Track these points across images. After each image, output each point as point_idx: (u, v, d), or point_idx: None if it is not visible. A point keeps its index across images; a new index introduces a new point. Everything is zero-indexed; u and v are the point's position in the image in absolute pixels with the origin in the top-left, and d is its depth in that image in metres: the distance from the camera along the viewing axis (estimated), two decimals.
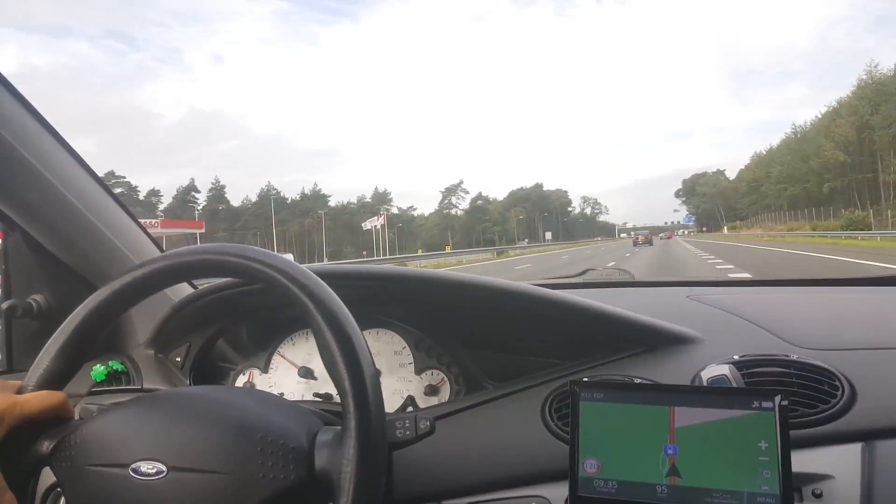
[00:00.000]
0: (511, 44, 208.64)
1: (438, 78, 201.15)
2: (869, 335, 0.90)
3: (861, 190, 61.93)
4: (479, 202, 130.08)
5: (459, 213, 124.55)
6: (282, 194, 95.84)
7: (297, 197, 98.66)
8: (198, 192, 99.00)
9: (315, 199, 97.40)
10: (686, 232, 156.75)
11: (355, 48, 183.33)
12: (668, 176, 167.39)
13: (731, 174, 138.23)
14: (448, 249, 57.71)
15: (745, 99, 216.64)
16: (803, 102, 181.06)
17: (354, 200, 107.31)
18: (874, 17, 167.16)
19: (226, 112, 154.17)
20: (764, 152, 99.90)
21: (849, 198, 61.59)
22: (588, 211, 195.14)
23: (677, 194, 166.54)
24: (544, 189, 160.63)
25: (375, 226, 59.14)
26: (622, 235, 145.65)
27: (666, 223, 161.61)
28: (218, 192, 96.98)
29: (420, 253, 44.21)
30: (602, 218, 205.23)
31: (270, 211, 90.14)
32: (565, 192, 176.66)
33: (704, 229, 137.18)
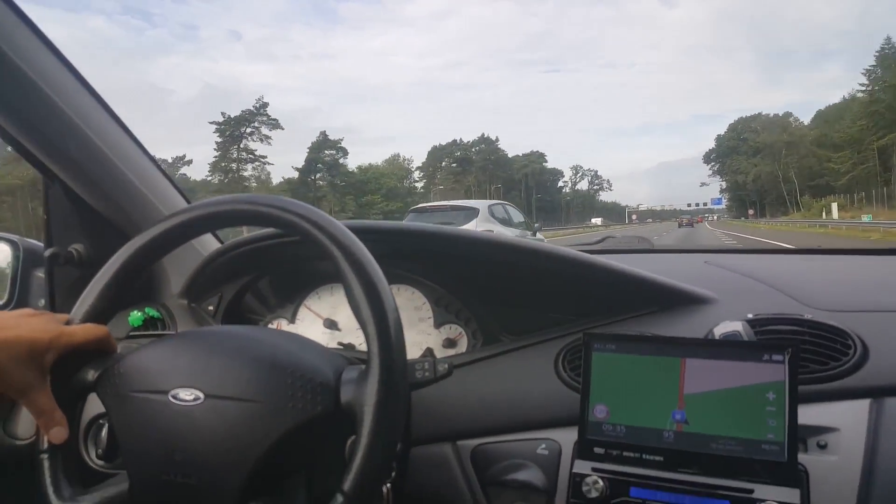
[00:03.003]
0: (537, 14, 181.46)
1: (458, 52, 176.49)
2: (884, 298, 0.91)
3: None
4: (329, 152, 73.46)
5: (274, 174, 69.24)
6: None
7: None
8: None
9: None
10: (714, 217, 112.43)
11: (374, 24, 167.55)
12: (695, 159, 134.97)
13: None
14: None
15: (778, 79, 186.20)
16: (837, 84, 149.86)
17: None
18: None
19: (242, 89, 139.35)
20: None
21: None
22: (583, 186, 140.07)
23: (707, 159, 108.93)
24: (501, 149, 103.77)
25: None
26: (594, 221, 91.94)
27: (689, 205, 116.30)
28: None
29: None
30: (606, 197, 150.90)
31: None
32: (541, 154, 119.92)
33: (751, 212, 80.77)
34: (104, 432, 0.91)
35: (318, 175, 72.55)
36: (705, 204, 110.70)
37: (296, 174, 72.00)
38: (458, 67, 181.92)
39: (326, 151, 73.95)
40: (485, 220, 8.99)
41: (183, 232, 0.71)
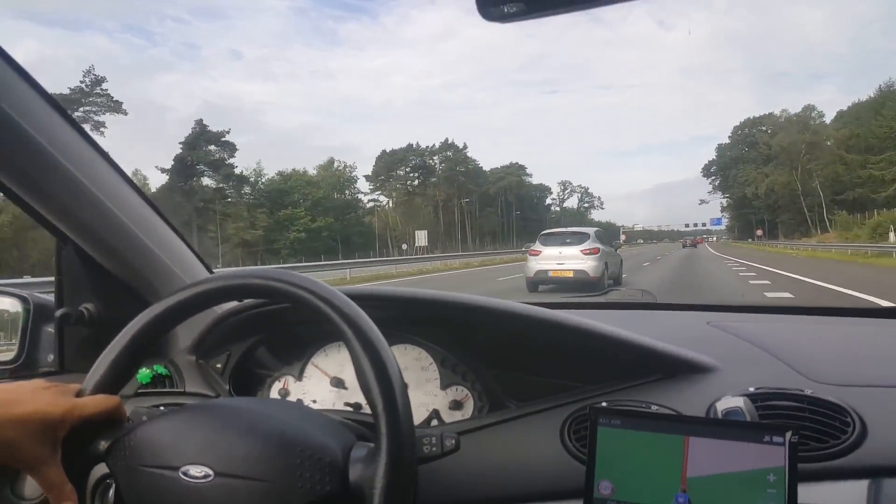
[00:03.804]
0: (534, 37, 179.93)
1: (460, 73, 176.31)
2: (884, 372, 0.91)
3: None
4: (213, 148, 59.07)
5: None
6: None
7: None
8: None
9: None
10: (714, 238, 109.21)
11: (373, 45, 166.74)
12: (693, 180, 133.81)
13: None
14: None
15: (773, 101, 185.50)
16: (832, 104, 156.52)
17: None
18: None
19: (241, 107, 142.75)
20: None
21: None
22: (572, 204, 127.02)
23: (707, 172, 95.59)
24: (472, 158, 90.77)
25: None
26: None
27: (687, 226, 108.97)
28: None
29: None
30: (599, 216, 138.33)
31: None
32: (521, 167, 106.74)
33: (760, 233, 67.06)
34: (111, 494, 0.90)
35: (195, 179, 57.80)
36: (704, 224, 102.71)
37: (164, 177, 56.77)
38: (457, 88, 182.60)
39: (211, 147, 59.39)
40: (593, 241, 12.30)
41: (194, 305, 0.72)
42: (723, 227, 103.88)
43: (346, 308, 0.66)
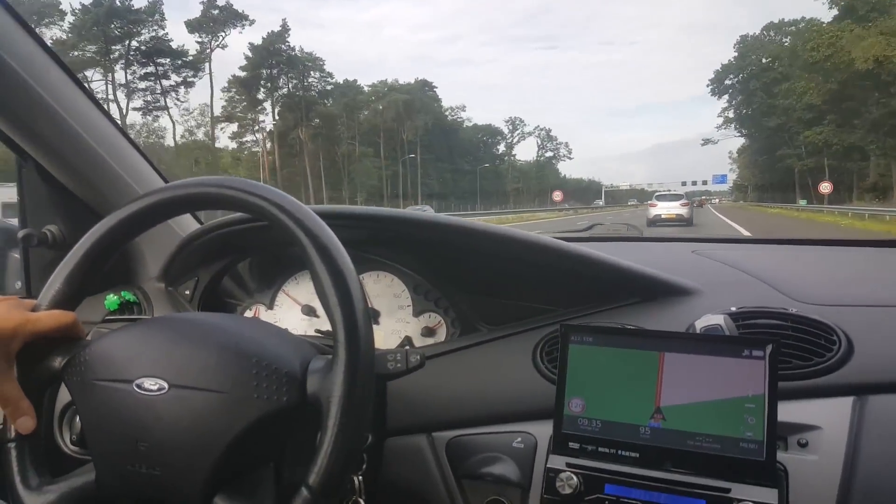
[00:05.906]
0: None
1: None
2: (871, 293, 0.89)
3: None
4: None
5: None
6: None
7: None
8: None
9: None
10: (716, 199, 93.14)
11: None
12: (691, 139, 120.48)
13: None
14: None
15: None
16: None
17: None
18: None
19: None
20: None
21: None
22: (529, 152, 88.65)
23: (717, 86, 56.46)
24: (313, 57, 50.02)
25: None
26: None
27: (684, 184, 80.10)
28: None
29: None
30: (568, 169, 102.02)
31: None
32: (427, 83, 67.38)
33: (827, 188, 27.56)
34: (78, 419, 0.89)
35: None
36: (704, 182, 75.89)
37: None
38: (454, 42, 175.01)
39: None
40: (686, 199, 23.82)
41: (148, 216, 0.70)
42: (727, 185, 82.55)
43: (301, 214, 0.63)
